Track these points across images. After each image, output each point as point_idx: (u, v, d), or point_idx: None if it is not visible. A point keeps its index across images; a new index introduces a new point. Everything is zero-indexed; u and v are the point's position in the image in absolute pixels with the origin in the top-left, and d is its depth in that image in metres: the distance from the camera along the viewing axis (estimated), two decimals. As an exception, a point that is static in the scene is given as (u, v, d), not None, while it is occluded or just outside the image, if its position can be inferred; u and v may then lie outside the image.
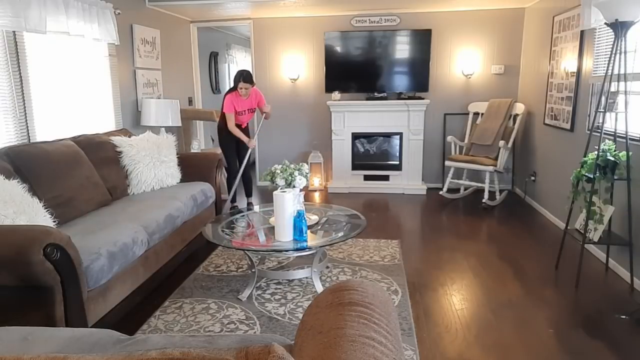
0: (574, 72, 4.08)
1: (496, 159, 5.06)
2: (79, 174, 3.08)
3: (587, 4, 3.53)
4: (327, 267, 3.43)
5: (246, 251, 2.92)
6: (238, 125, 4.74)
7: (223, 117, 4.74)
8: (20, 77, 3.18)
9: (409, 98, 5.68)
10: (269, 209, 3.48)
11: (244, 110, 4.74)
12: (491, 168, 4.99)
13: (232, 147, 4.86)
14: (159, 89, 5.11)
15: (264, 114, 4.90)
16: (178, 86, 5.70)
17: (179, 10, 5.32)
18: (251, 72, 5.02)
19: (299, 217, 2.84)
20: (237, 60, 8.38)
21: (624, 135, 3.01)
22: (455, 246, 3.89)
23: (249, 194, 5.22)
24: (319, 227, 3.17)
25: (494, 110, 5.38)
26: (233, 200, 5.09)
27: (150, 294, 3.00)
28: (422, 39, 5.64)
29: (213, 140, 6.53)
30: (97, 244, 2.43)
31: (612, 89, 2.99)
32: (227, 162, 4.88)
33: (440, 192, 5.43)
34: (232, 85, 4.76)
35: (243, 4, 5.06)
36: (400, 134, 5.78)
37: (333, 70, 5.85)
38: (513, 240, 4.03)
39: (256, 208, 3.90)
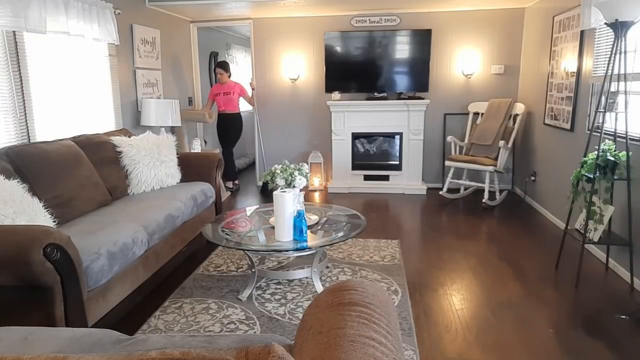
0: (574, 72, 4.08)
1: (496, 159, 5.06)
2: (79, 174, 3.08)
3: (587, 4, 3.53)
4: (327, 267, 3.43)
5: (246, 251, 2.92)
6: (224, 113, 5.79)
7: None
8: (20, 77, 3.18)
9: (409, 98, 5.68)
10: (269, 209, 3.48)
11: (220, 93, 5.74)
12: (491, 168, 4.99)
13: (223, 132, 5.88)
14: (159, 89, 5.11)
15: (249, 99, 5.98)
16: (178, 86, 5.70)
17: (179, 10, 5.32)
18: (228, 62, 5.95)
19: (299, 217, 2.84)
20: (237, 60, 8.37)
21: (624, 135, 3.01)
22: (455, 246, 3.89)
23: (226, 176, 5.88)
24: (319, 227, 3.17)
25: (494, 110, 5.38)
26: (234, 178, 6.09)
27: (150, 294, 3.00)
28: (422, 39, 5.64)
29: (206, 142, 6.52)
30: (97, 244, 2.43)
31: (612, 89, 2.99)
32: (222, 148, 5.96)
33: (440, 192, 5.43)
34: (236, 83, 5.86)
35: (243, 4, 5.06)
36: (400, 134, 5.78)
37: (333, 70, 5.85)
38: (513, 240, 4.03)
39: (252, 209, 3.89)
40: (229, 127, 5.85)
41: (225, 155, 5.87)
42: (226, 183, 5.98)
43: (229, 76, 5.76)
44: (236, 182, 6.13)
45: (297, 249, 2.84)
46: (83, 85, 3.88)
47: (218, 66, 5.74)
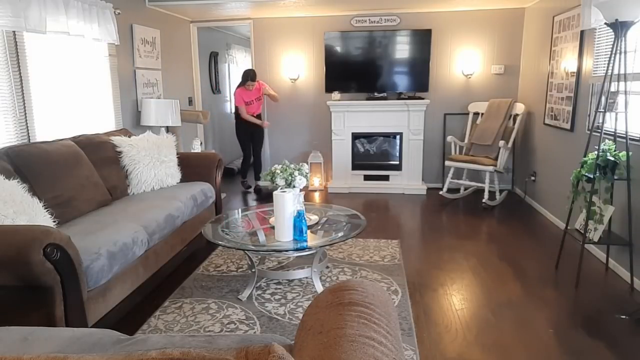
0: (574, 72, 4.08)
1: (496, 159, 5.06)
2: (79, 174, 3.08)
3: (587, 4, 3.53)
4: (327, 267, 3.43)
5: (246, 251, 2.92)
6: (251, 115, 5.73)
7: (237, 110, 5.77)
8: (20, 77, 3.18)
9: (409, 98, 5.68)
10: (269, 209, 3.48)
11: (252, 100, 5.69)
12: (491, 168, 4.99)
13: (247, 135, 5.83)
14: (159, 89, 5.11)
15: (270, 96, 5.84)
16: (178, 86, 5.70)
17: (179, 10, 5.32)
18: (254, 69, 5.83)
19: (299, 217, 2.84)
20: (237, 60, 8.38)
21: (624, 135, 3.01)
22: (455, 246, 3.89)
23: (257, 178, 6.02)
24: (319, 227, 3.17)
25: (494, 110, 5.38)
26: (244, 176, 6.12)
27: (150, 294, 3.00)
28: (422, 39, 5.64)
29: (202, 143, 6.49)
30: (97, 244, 2.43)
31: (612, 89, 2.99)
32: (242, 148, 5.95)
33: (440, 192, 5.43)
34: (237, 84, 5.75)
35: (243, 4, 5.06)
36: (400, 134, 5.78)
37: (333, 70, 5.85)
38: (513, 240, 4.03)
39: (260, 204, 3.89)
40: (256, 129, 5.81)
41: (254, 157, 5.91)
42: (259, 183, 6.02)
43: None
44: (245, 180, 6.15)
45: (297, 249, 2.84)
46: (83, 86, 3.88)
47: (249, 79, 5.51)
